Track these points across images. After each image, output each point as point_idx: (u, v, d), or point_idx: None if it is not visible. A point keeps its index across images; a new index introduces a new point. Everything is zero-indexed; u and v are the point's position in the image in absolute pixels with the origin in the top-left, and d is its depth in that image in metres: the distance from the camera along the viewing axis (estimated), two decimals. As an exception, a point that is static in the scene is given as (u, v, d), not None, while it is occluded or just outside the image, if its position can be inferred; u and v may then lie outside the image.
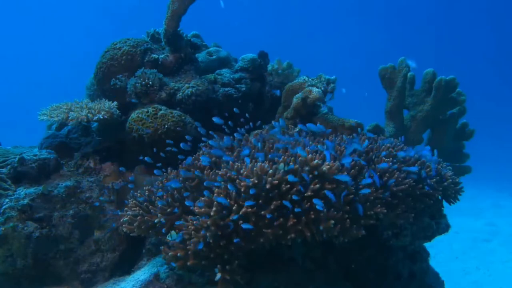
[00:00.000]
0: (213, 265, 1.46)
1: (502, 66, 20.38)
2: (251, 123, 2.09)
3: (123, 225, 1.74)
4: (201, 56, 2.92)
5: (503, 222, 6.60)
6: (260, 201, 1.43)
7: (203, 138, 1.90)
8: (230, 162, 1.55)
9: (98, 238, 2.01)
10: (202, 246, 1.42)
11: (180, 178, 1.67)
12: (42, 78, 20.81)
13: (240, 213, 1.40)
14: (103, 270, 1.97)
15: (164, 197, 1.66)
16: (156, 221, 1.62)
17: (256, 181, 1.43)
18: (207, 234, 1.42)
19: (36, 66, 22.17)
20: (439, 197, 1.87)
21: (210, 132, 1.95)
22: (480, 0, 20.93)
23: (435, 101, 2.88)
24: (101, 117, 2.24)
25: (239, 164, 1.53)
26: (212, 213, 1.42)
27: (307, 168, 1.47)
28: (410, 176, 1.66)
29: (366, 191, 1.48)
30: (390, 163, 1.66)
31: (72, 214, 2.00)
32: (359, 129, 2.19)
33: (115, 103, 2.38)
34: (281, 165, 1.48)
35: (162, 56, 2.61)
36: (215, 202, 1.44)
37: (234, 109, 2.20)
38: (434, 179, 1.75)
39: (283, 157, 1.53)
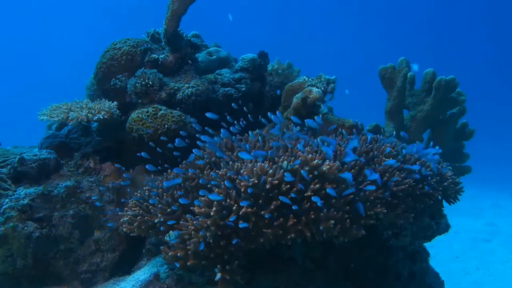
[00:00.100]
0: (213, 265, 1.46)
1: (502, 66, 20.38)
2: (250, 117, 2.07)
3: (123, 225, 1.75)
4: (201, 56, 2.92)
5: (503, 222, 6.59)
6: (260, 201, 1.43)
7: (197, 135, 1.89)
8: (230, 162, 1.55)
9: (98, 238, 2.01)
10: (203, 247, 1.42)
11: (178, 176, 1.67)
12: (42, 78, 20.84)
13: (240, 213, 1.40)
14: (103, 270, 1.97)
15: (165, 196, 1.66)
16: (156, 221, 1.62)
17: (256, 181, 1.43)
18: (207, 234, 1.42)
19: (36, 66, 22.19)
20: (439, 197, 1.87)
21: (206, 128, 1.94)
22: (480, 0, 20.95)
23: (435, 101, 2.87)
24: (101, 117, 2.24)
25: (239, 164, 1.53)
26: (212, 213, 1.42)
27: (307, 168, 1.47)
28: (410, 176, 1.66)
29: (370, 187, 1.48)
30: (394, 161, 1.65)
31: (72, 214, 2.00)
32: (358, 129, 2.19)
33: (115, 103, 2.38)
34: (285, 162, 1.47)
35: (162, 56, 2.61)
36: (215, 202, 1.44)
37: (233, 104, 2.19)
38: (434, 179, 1.75)
39: (283, 157, 1.53)
